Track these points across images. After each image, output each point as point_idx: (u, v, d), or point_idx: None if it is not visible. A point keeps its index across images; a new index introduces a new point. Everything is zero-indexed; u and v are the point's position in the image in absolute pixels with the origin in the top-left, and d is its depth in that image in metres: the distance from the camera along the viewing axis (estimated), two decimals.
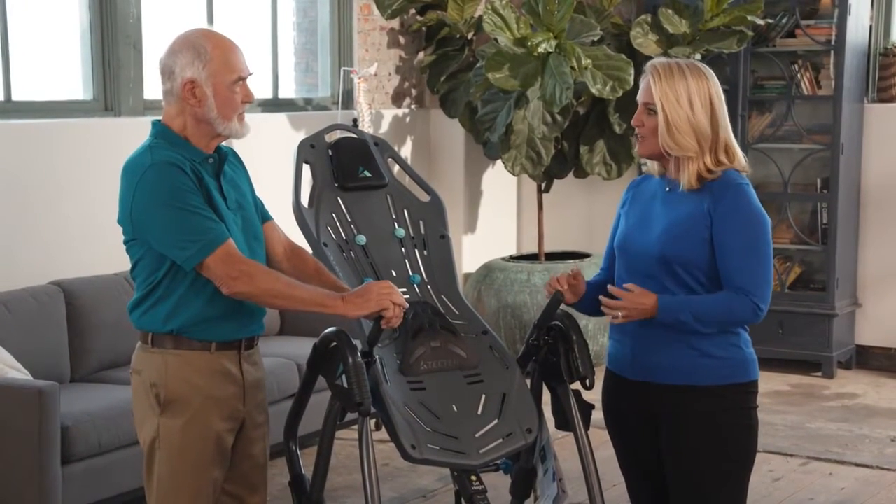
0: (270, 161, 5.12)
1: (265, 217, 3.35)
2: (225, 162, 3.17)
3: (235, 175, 3.23)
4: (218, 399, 3.13)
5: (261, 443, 3.29)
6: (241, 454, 3.24)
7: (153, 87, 5.72)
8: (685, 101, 3.11)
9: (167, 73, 3.10)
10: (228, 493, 3.25)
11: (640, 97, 3.20)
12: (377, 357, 3.21)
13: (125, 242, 3.15)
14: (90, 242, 5.45)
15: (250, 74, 3.14)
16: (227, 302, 3.07)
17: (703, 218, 3.11)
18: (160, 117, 3.16)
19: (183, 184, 3.01)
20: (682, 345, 3.14)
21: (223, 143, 3.20)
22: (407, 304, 3.14)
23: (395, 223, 3.56)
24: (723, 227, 3.10)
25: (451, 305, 3.46)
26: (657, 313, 3.10)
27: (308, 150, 3.54)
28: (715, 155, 3.14)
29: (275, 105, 6.72)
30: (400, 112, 7.44)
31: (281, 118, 6.56)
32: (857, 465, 5.50)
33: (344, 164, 3.53)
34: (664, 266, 3.14)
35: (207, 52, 3.05)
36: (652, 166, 3.29)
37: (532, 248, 7.67)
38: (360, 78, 6.58)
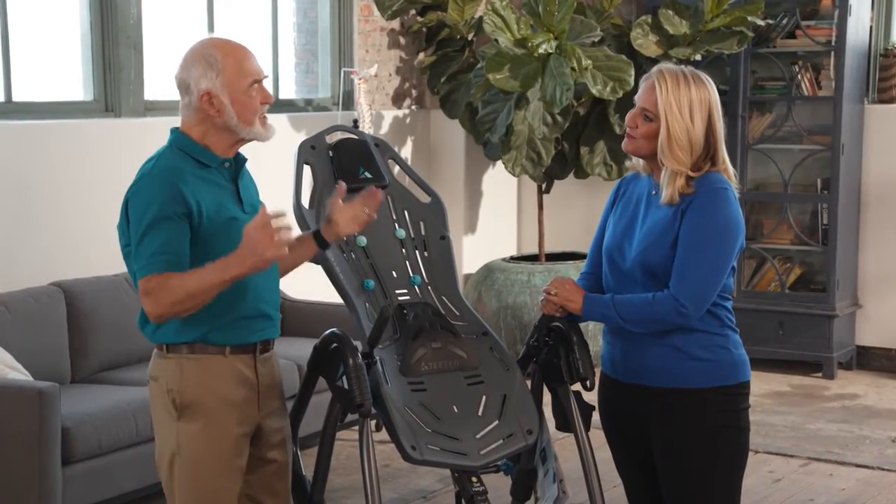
0: (271, 162, 5.10)
1: None
2: (242, 166, 3.17)
3: (248, 179, 3.23)
4: (233, 402, 3.11)
5: (281, 447, 3.26)
6: (261, 459, 3.21)
7: (153, 88, 5.71)
8: (686, 112, 3.07)
9: (183, 87, 3.08)
10: (250, 498, 3.22)
11: (639, 101, 3.15)
12: (378, 358, 3.21)
13: (122, 250, 3.10)
14: (90, 243, 5.45)
15: (265, 77, 3.14)
16: (235, 308, 3.05)
17: (675, 220, 3.09)
18: (178, 125, 3.13)
19: (164, 204, 2.95)
20: (667, 347, 3.13)
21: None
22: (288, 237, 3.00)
23: (396, 224, 3.56)
24: (683, 224, 3.08)
25: (451, 306, 3.46)
26: (581, 311, 3.20)
27: (308, 151, 3.54)
28: (701, 166, 3.11)
29: (275, 106, 6.66)
30: (400, 113, 7.44)
31: (281, 119, 6.55)
32: (857, 465, 5.49)
33: (344, 165, 3.53)
34: (647, 273, 3.13)
35: (219, 61, 3.04)
36: (638, 163, 3.27)
37: (532, 248, 7.66)
38: (360, 79, 6.57)
